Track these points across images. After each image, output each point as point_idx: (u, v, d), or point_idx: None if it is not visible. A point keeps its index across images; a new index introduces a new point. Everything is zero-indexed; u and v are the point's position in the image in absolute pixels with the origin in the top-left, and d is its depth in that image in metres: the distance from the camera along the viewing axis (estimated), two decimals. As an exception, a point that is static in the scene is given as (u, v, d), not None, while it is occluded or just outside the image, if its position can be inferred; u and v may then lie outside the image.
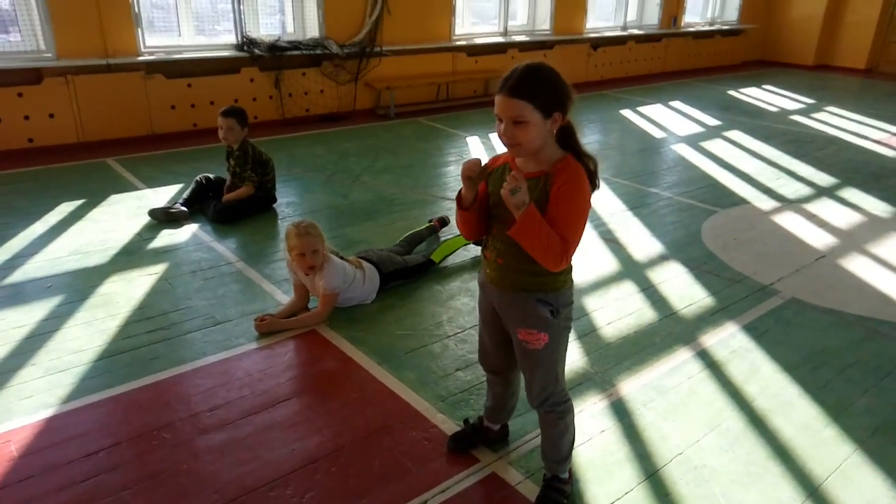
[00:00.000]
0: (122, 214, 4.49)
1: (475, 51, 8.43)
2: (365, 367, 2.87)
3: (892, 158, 6.49)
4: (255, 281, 3.63)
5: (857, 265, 4.03)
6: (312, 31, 7.11)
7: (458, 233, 3.86)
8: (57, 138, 5.80)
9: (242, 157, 4.43)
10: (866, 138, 7.26)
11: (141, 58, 6.04)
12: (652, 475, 2.28)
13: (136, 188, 5.03)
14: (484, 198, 1.90)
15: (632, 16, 10.60)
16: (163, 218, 4.34)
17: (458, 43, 8.24)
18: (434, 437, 2.44)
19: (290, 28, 7.21)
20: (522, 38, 9.00)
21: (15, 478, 2.20)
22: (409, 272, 3.62)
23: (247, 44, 6.55)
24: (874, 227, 4.67)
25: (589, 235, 4.35)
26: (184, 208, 4.41)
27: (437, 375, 2.82)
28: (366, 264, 3.42)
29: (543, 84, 1.72)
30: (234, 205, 4.42)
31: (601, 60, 10.05)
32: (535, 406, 2.06)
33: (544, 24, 9.25)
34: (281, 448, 2.37)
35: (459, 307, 3.40)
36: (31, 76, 5.60)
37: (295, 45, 6.81)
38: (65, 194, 4.80)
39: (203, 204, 4.52)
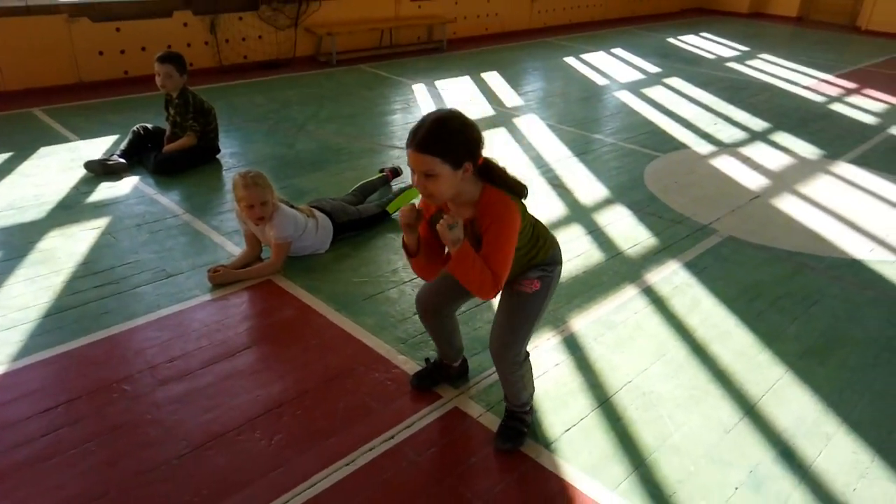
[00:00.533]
0: (55, 167, 4.29)
1: (418, -5, 8.25)
2: (323, 314, 2.90)
3: (820, 104, 6.79)
4: (203, 233, 3.57)
5: (787, 204, 4.26)
6: (247, -28, 6.80)
7: (412, 184, 3.90)
8: (-26, 88, 5.43)
9: (183, 105, 4.26)
10: (797, 84, 7.56)
11: (63, 0, 5.65)
12: (604, 402, 2.42)
13: (67, 140, 4.79)
14: (429, 240, 1.99)
15: (573, -39, 10.53)
16: (100, 170, 4.17)
17: (400, -13, 8.03)
18: (396, 378, 2.51)
19: (223, -31, 6.86)
20: (465, -18, 8.84)
21: (-31, 435, 2.15)
22: (363, 223, 3.62)
23: (178, -14, 6.22)
24: (802, 169, 4.92)
25: (537, 182, 4.43)
26: (122, 160, 4.24)
27: (395, 319, 2.88)
28: (318, 213, 3.40)
29: (451, 138, 1.77)
30: (175, 155, 4.27)
31: (544, 7, 9.99)
32: (494, 352, 2.12)
33: (487, -32, 9.09)
34: (244, 395, 2.39)
35: (414, 253, 3.44)
36: (-60, 19, 5.19)
37: (230, -13, 6.51)
38: (-10, 147, 4.54)
39: (142, 155, 4.36)
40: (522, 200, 1.94)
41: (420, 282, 3.15)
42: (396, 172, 4.24)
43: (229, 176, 4.32)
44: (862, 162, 5.09)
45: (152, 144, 4.41)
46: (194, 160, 4.36)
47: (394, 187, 4.16)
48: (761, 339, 2.84)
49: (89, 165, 4.18)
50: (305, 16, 7.16)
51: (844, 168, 4.96)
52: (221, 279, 3.07)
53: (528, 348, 2.18)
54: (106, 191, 3.99)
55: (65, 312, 2.81)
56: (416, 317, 2.86)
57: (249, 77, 6.71)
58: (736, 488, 2.08)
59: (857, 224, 4.00)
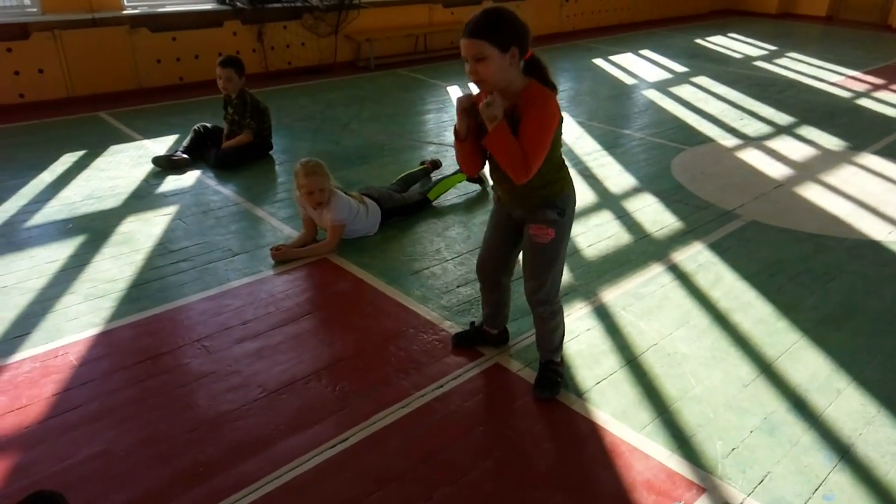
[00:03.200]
0: (125, 163, 4.69)
1: (451, 2, 8.58)
2: (375, 286, 3.20)
3: (846, 98, 6.92)
4: (262, 218, 3.91)
5: (810, 192, 4.45)
6: (292, -17, 7.20)
7: (451, 174, 4.20)
8: (47, 93, 5.91)
9: (241, 105, 4.64)
10: (824, 81, 7.68)
11: (125, 12, 6.12)
12: (631, 361, 2.68)
13: (133, 139, 5.21)
14: (476, 131, 2.16)
15: (602, -34, 10.77)
16: (166, 165, 4.56)
17: (434, -6, 8.38)
18: (444, 339, 2.79)
19: (268, -19, 7.28)
20: (497, -11, 9.15)
21: (79, 381, 2.50)
22: (407, 209, 3.92)
23: (229, -3, 6.65)
24: (827, 160, 5.09)
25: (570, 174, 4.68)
26: (185, 155, 4.63)
27: (440, 291, 3.17)
28: (368, 200, 3.72)
29: (498, 23, 1.95)
30: (233, 151, 4.65)
31: (573, 11, 10.25)
32: (530, 299, 2.40)
33: (518, -26, 9.40)
34: (310, 351, 2.71)
35: (454, 236, 3.73)
36: (18, 31, 5.67)
37: (276, -3, 6.92)
38: (66, 146, 4.97)
39: (203, 151, 4.74)
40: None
41: (459, 261, 3.45)
42: (436, 165, 4.55)
43: (282, 169, 4.68)
44: (887, 153, 5.23)
45: (211, 142, 4.79)
46: (250, 156, 4.73)
47: (434, 178, 4.46)
48: (780, 309, 3.06)
49: (156, 160, 4.57)
50: (345, 24, 7.54)
51: (869, 159, 5.11)
52: (283, 256, 3.40)
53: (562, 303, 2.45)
54: (173, 183, 4.37)
55: (148, 284, 3.17)
56: (460, 288, 3.18)
57: (294, 81, 7.11)
58: (751, 431, 2.31)
59: (879, 209, 4.17)
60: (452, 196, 4.21)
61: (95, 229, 3.71)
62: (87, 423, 2.30)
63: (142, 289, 3.13)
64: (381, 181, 4.32)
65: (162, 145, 5.05)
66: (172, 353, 2.67)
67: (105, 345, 2.72)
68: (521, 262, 2.46)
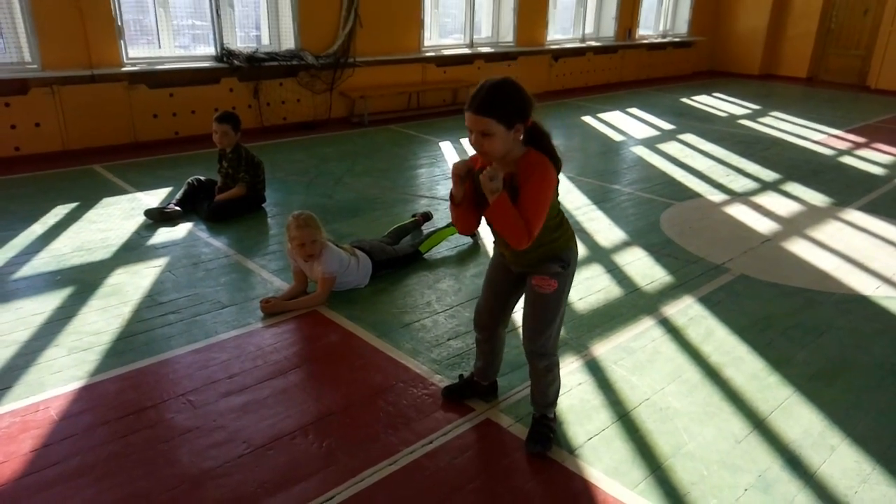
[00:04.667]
0: (117, 215, 4.71)
1: (443, 62, 8.83)
2: (365, 339, 3.18)
3: (830, 156, 7.09)
4: (253, 270, 3.90)
5: (797, 247, 4.50)
6: (288, 42, 7.41)
7: (443, 227, 4.23)
8: (42, 146, 5.97)
9: (236, 159, 4.70)
10: (807, 139, 7.88)
11: (124, 69, 6.25)
12: (623, 416, 2.64)
13: (126, 192, 5.24)
14: (471, 195, 2.22)
15: (589, 28, 11.17)
16: (158, 217, 4.57)
17: (427, 54, 8.63)
18: (433, 393, 2.76)
19: (265, 40, 7.49)
20: (488, 49, 9.45)
21: (59, 436, 2.44)
22: (398, 261, 3.93)
23: (226, 55, 6.81)
24: (813, 215, 5.17)
25: (559, 226, 4.73)
26: (177, 208, 4.65)
27: (430, 344, 3.15)
28: (359, 252, 3.73)
29: (505, 101, 2.00)
30: (227, 204, 4.68)
31: (562, 71, 10.56)
32: (528, 351, 2.39)
33: (507, 36, 9.72)
34: (298, 405, 2.66)
35: (446, 289, 3.73)
36: (17, 86, 5.77)
37: (272, 56, 7.10)
38: (58, 198, 4.99)
39: (196, 204, 4.76)
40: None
41: (451, 313, 3.44)
42: (427, 217, 4.59)
43: (275, 222, 4.70)
44: (870, 209, 5.33)
45: (204, 194, 4.82)
46: (243, 209, 4.76)
47: (425, 231, 4.49)
48: (771, 364, 3.05)
49: (148, 213, 4.59)
50: (340, 81, 7.72)
51: (853, 214, 5.20)
52: (272, 309, 3.38)
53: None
54: (164, 235, 4.37)
55: (134, 336, 3.13)
56: (450, 341, 3.16)
57: (289, 136, 7.22)
58: (745, 490, 2.27)
59: (865, 264, 4.22)
60: (444, 249, 4.23)
61: (84, 281, 3.68)
62: (66, 480, 2.23)
63: (128, 341, 3.09)
64: (372, 234, 4.34)
65: (155, 198, 5.07)
66: (156, 408, 2.62)
67: (88, 399, 2.67)
68: (518, 313, 2.46)
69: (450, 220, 4.36)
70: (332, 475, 2.29)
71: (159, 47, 6.72)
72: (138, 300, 3.48)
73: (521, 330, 2.44)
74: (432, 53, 8.71)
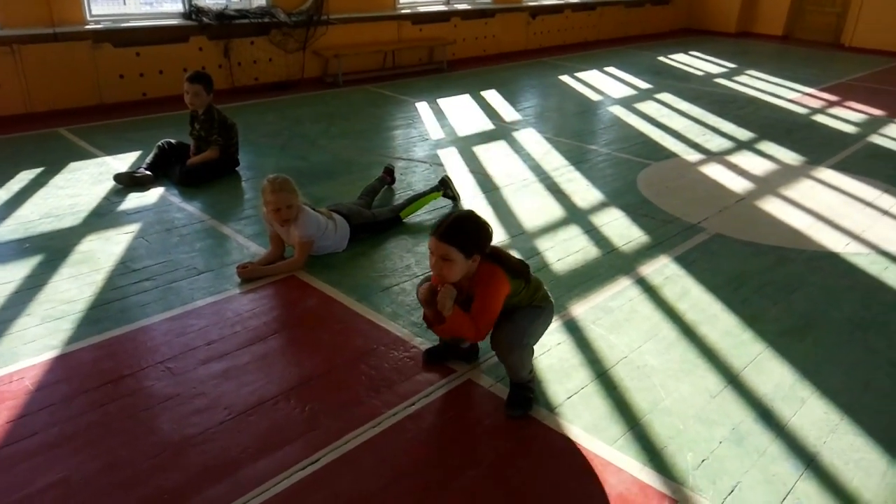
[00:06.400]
0: (86, 180, 4.58)
1: (419, 19, 8.64)
2: (344, 303, 3.17)
3: (803, 115, 7.14)
4: (228, 235, 3.85)
5: (771, 205, 4.56)
6: (258, -1, 7.18)
7: (424, 192, 4.20)
8: (4, 109, 5.75)
9: (208, 121, 4.58)
10: (781, 98, 7.91)
11: (88, 26, 6.01)
12: (602, 374, 2.69)
13: (94, 156, 5.09)
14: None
15: (567, -15, 10.98)
16: (128, 182, 4.46)
17: (402, 11, 8.42)
18: (415, 356, 2.77)
19: (234, -3, 7.25)
20: (464, 6, 9.25)
21: (36, 406, 2.41)
22: (377, 226, 3.90)
23: (194, 12, 6.58)
24: (786, 174, 5.23)
25: (537, 187, 4.73)
26: (148, 172, 4.54)
27: (410, 307, 3.15)
28: (336, 216, 3.69)
29: (467, 234, 2.27)
30: (199, 167, 4.57)
31: (539, 28, 10.40)
32: (499, 348, 2.42)
33: (484, -8, 9.52)
34: (279, 371, 2.66)
35: (425, 252, 3.71)
36: (-26, 46, 5.53)
37: (243, 13, 6.88)
38: (23, 163, 4.83)
39: (167, 168, 4.65)
40: (524, 273, 2.39)
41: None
42: (391, 173, 4.58)
43: (249, 186, 4.62)
44: (842, 167, 5.40)
45: (176, 158, 4.70)
46: (216, 172, 4.66)
47: (397, 193, 4.46)
48: (745, 321, 3.11)
49: (118, 178, 4.47)
50: (313, 39, 7.52)
51: (826, 173, 5.27)
52: (249, 274, 3.34)
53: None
54: (135, 200, 4.28)
55: (108, 304, 3.08)
56: (430, 304, 3.15)
57: (261, 97, 7.05)
58: (720, 442, 2.33)
59: (836, 222, 4.29)
60: (422, 212, 4.20)
61: (53, 249, 3.60)
62: (46, 450, 2.21)
63: (102, 310, 3.04)
64: (349, 197, 4.29)
65: (124, 162, 4.94)
66: (135, 376, 2.60)
67: (64, 368, 2.63)
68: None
69: (432, 186, 4.33)
70: (316, 438, 2.30)
71: (124, 3, 6.46)
72: (111, 267, 3.42)
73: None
74: (408, 10, 8.51)
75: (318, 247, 3.54)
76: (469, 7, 9.28)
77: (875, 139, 6.26)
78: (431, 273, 2.43)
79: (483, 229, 2.33)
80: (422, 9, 8.73)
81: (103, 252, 3.57)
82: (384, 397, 2.52)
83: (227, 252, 3.64)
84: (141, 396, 2.48)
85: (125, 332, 2.88)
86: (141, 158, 4.94)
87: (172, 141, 4.80)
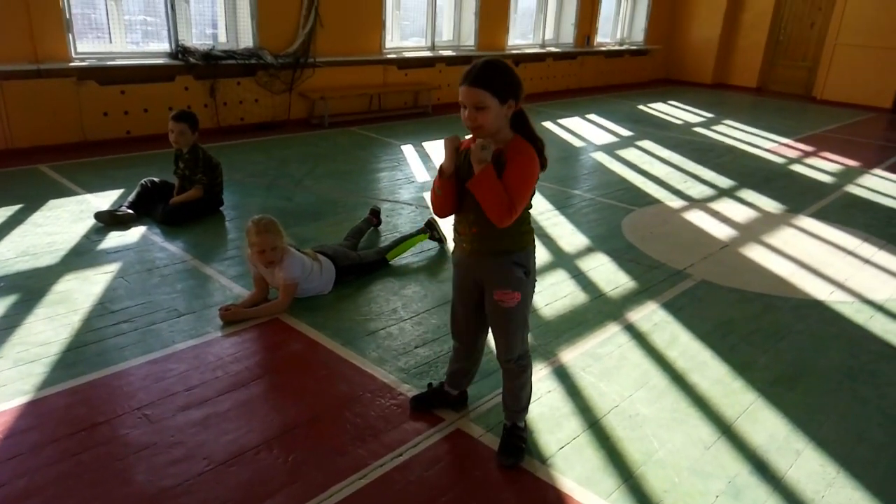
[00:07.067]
0: (65, 218, 4.48)
1: (405, 64, 8.77)
2: (329, 347, 3.09)
3: (781, 164, 7.30)
4: (211, 276, 3.77)
5: (754, 252, 4.60)
6: (246, 41, 7.23)
7: (411, 234, 4.17)
8: (-17, 145, 5.66)
9: (192, 160, 4.54)
10: (759, 147, 8.10)
11: (73, 64, 5.99)
12: (594, 424, 2.63)
13: (74, 193, 5.00)
14: (456, 173, 2.19)
15: (549, 35, 11.27)
16: (109, 220, 4.37)
17: (388, 56, 8.55)
18: (402, 403, 2.69)
19: (222, 38, 7.29)
20: (449, 52, 9.42)
21: (4, 455, 2.28)
22: (363, 268, 3.85)
23: (181, 52, 6.60)
24: (767, 221, 5.30)
25: (523, 231, 4.73)
26: (130, 211, 4.46)
27: (397, 352, 3.08)
28: (322, 257, 3.63)
29: (499, 76, 2.05)
30: (182, 207, 4.51)
31: (522, 76, 10.38)
32: (503, 361, 2.37)
33: (469, 39, 9.71)
34: (260, 419, 2.56)
35: (411, 295, 3.67)
36: (-44, 81, 5.46)
37: (230, 54, 6.91)
38: (1, 200, 4.72)
39: (150, 207, 4.58)
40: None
41: (417, 320, 3.38)
42: (377, 214, 4.57)
43: (233, 226, 4.56)
44: (821, 216, 5.50)
45: (159, 197, 4.64)
46: (200, 212, 4.60)
47: (389, 237, 4.43)
48: (735, 369, 3.09)
49: (99, 216, 4.39)
50: (300, 81, 7.58)
51: (805, 221, 5.36)
52: (232, 317, 3.26)
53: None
54: (116, 239, 4.19)
55: (85, 347, 2.97)
56: (418, 349, 3.10)
57: (246, 137, 7.04)
58: (717, 496, 2.28)
59: (819, 270, 4.34)
60: (409, 254, 4.17)
61: (29, 288, 3.49)
62: (13, 503, 2.08)
63: (78, 353, 2.93)
64: (335, 238, 4.24)
65: (106, 200, 4.86)
66: (110, 424, 2.48)
67: (35, 415, 2.51)
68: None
69: (418, 228, 4.30)
70: (299, 491, 2.20)
71: (110, 42, 6.46)
72: (89, 308, 3.31)
73: (492, 340, 2.40)
74: (394, 55, 8.63)
75: (303, 289, 3.48)
76: (454, 54, 9.46)
77: (851, 189, 6.40)
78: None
79: (514, 73, 2.09)
80: (407, 54, 8.87)
81: (81, 292, 3.46)
82: (370, 447, 2.43)
83: (209, 293, 3.56)
84: (116, 445, 2.37)
85: (101, 377, 2.76)
86: (123, 196, 4.86)
87: (156, 179, 4.74)
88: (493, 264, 2.24)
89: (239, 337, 3.15)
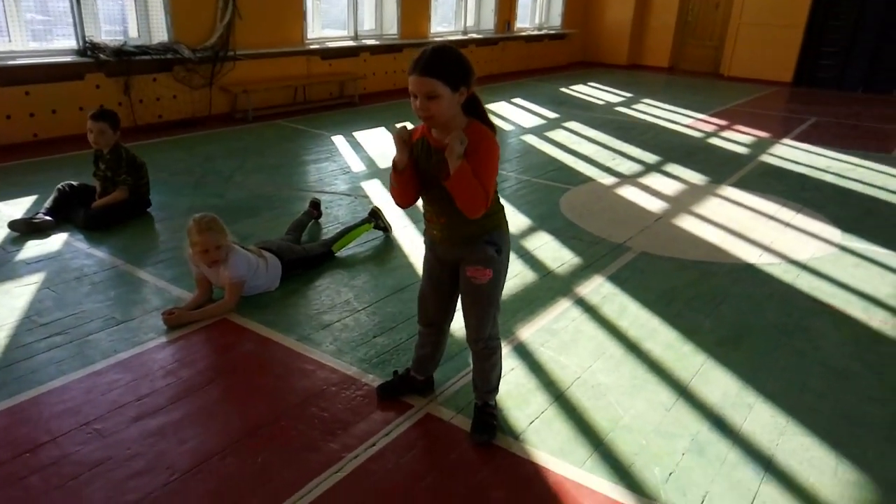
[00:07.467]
0: (-26, 230, 4.14)
1: (329, 54, 8.59)
2: (285, 344, 3.00)
3: (699, 138, 7.64)
4: (146, 280, 3.57)
5: (686, 223, 4.79)
6: (160, 35, 6.87)
7: (356, 224, 4.09)
8: None
9: (115, 160, 4.27)
10: (677, 123, 8.45)
11: (-33, 64, 5.52)
12: (559, 397, 2.67)
13: (-19, 203, 4.63)
14: (412, 166, 2.16)
15: (470, 21, 11.32)
16: (25, 229, 4.07)
17: (311, 47, 8.34)
18: (368, 394, 2.65)
19: (133, 33, 6.90)
20: (372, 41, 9.30)
21: (-61, 487, 2.09)
22: (309, 261, 3.75)
23: (90, 48, 6.20)
24: (694, 193, 5.54)
25: (465, 215, 4.74)
26: (48, 217, 4.16)
27: (355, 343, 3.02)
28: (266, 253, 3.51)
29: (450, 63, 2.00)
30: (107, 210, 4.25)
31: (445, 63, 10.58)
32: (472, 341, 2.36)
33: (392, 28, 9.62)
34: (221, 422, 2.45)
35: (362, 285, 3.61)
36: None
37: (143, 49, 6.55)
38: None
39: (69, 212, 4.29)
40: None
41: (371, 310, 3.33)
42: (317, 206, 4.46)
43: (163, 227, 4.34)
44: (741, 185, 5.79)
45: (79, 201, 4.35)
46: (126, 214, 4.35)
47: (324, 227, 4.33)
48: (683, 334, 3.21)
49: (13, 225, 4.07)
50: (220, 75, 7.28)
51: (728, 190, 5.63)
52: (177, 321, 3.10)
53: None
54: (36, 248, 3.90)
55: (15, 365, 2.75)
56: (376, 339, 3.06)
57: (166, 135, 6.69)
58: (683, 454, 2.37)
59: (746, 235, 4.57)
60: (354, 245, 4.10)
61: (-57, 306, 3.20)
62: (-47, 538, 1.91)
63: (9, 371, 2.71)
64: (275, 234, 4.11)
65: (18, 208, 4.51)
66: (56, 442, 2.31)
67: (-31, 440, 2.31)
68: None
69: (362, 218, 4.23)
70: (274, 491, 2.13)
71: (10, 41, 5.99)
72: (14, 323, 3.07)
73: (462, 319, 2.39)
74: (316, 46, 8.43)
75: (250, 287, 3.35)
76: (377, 42, 9.34)
77: (765, 158, 6.78)
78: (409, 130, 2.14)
79: (465, 59, 2.03)
80: (331, 44, 8.68)
81: (3, 307, 3.21)
82: (342, 440, 2.38)
83: (146, 299, 3.37)
84: (66, 464, 2.21)
85: (39, 394, 2.57)
86: (38, 203, 4.53)
87: (74, 183, 4.44)
88: (465, 245, 2.23)
89: (187, 341, 3.00)
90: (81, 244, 4.01)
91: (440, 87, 1.97)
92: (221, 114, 7.50)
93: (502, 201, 2.33)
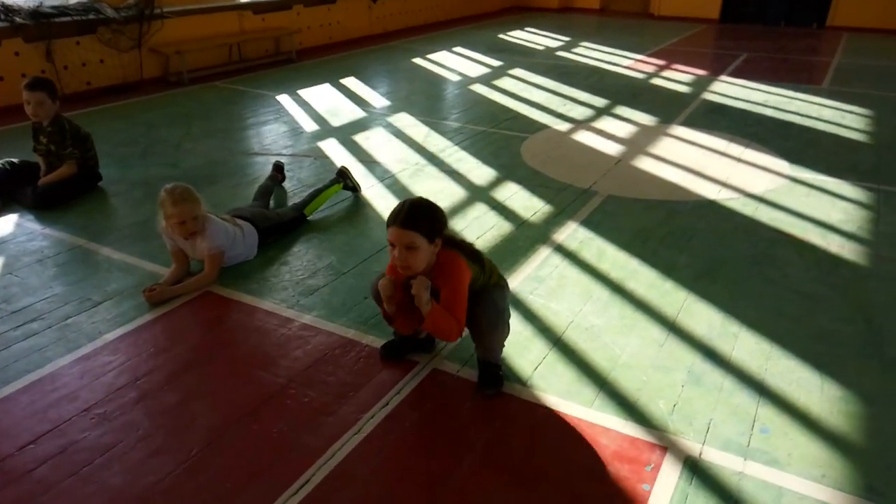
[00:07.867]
0: None
1: (260, 9, 8.19)
2: (276, 312, 2.95)
3: (642, 79, 7.77)
4: (113, 258, 3.42)
5: (645, 164, 4.92)
6: (78, -7, 6.38)
7: (325, 186, 4.01)
8: None
9: (58, 133, 4.00)
10: (618, 65, 8.55)
11: None
12: (557, 341, 2.76)
13: None
14: (403, 301, 2.29)
15: (402, -32, 10.97)
16: (-33, 213, 3.80)
17: (241, 1, 7.92)
18: (371, 354, 2.65)
19: (47, -9, 6.37)
20: (305, -7, 8.91)
21: (-57, 490, 1.98)
22: (284, 227, 3.66)
23: (3, 11, 5.70)
24: (647, 134, 5.67)
25: (431, 170, 4.72)
26: (-9, 199, 3.89)
27: (348, 306, 3.00)
28: (241, 221, 3.41)
29: (427, 217, 2.21)
30: (55, 187, 4.00)
31: (382, 13, 10.32)
32: (479, 334, 2.42)
33: (323, -22, 9.22)
34: (230, 394, 2.42)
35: (342, 247, 3.56)
36: None
37: (62, 10, 6.08)
38: None
39: (14, 191, 4.02)
40: (479, 258, 2.37)
41: (358, 272, 3.31)
42: (281, 170, 4.35)
43: (120, 201, 4.14)
44: (689, 123, 5.96)
45: (22, 179, 4.07)
46: (76, 189, 4.11)
47: (290, 191, 4.23)
48: (662, 272, 3.34)
49: (-47, 209, 3.79)
50: (148, 36, 6.86)
51: (678, 129, 5.79)
52: (159, 297, 2.99)
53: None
54: (-16, 232, 3.65)
55: (-5, 356, 2.61)
56: (368, 300, 3.04)
57: (98, 104, 6.30)
58: (682, 386, 2.50)
59: (703, 172, 4.74)
60: (325, 206, 4.02)
61: None
62: (-27, 539, 1.84)
63: (-12, 363, 2.57)
64: (242, 201, 3.99)
65: (-48, 190, 4.18)
66: (59, 431, 2.23)
67: (-37, 439, 2.19)
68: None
69: (331, 179, 4.13)
70: (299, 457, 2.13)
71: None
72: (-18, 313, 2.89)
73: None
74: (247, 0, 8.02)
75: (229, 257, 3.26)
76: (310, -7, 8.96)
77: (707, 96, 6.97)
78: (385, 270, 2.35)
79: (440, 211, 2.27)
80: (261, -3, 8.28)
81: (-36, 297, 3.01)
82: (354, 402, 2.39)
83: (119, 277, 3.23)
84: (76, 451, 2.14)
85: (28, 383, 2.45)
86: (-26, 184, 4.21)
87: (14, 160, 4.15)
88: None
89: (173, 316, 2.91)
90: (34, 224, 3.78)
91: (418, 239, 2.16)
92: (154, 77, 7.10)
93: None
